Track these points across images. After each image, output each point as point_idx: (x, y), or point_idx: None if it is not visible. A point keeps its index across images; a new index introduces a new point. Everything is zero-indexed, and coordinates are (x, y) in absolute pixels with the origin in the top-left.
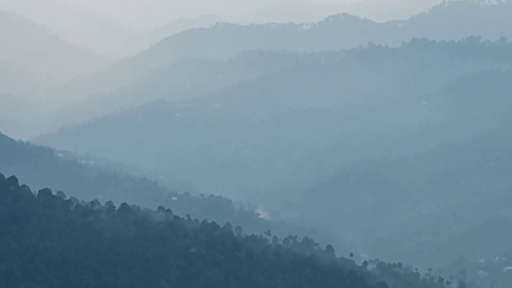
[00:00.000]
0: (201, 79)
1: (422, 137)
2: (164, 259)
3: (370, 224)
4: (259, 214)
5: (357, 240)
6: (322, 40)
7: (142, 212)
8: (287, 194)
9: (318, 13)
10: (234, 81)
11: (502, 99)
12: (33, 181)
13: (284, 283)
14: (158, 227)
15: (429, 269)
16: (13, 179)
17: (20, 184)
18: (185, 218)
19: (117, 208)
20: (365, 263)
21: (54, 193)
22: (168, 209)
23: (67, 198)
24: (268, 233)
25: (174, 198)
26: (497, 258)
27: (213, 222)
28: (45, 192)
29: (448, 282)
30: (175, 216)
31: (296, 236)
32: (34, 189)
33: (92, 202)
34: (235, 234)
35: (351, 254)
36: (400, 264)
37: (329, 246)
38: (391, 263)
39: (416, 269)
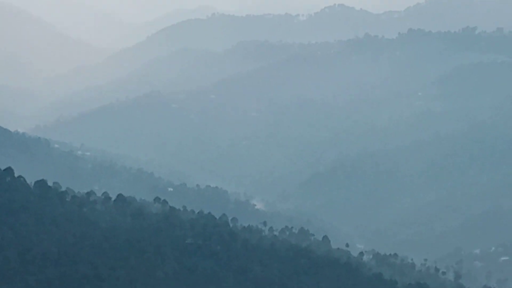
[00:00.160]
0: (197, 70)
1: (418, 128)
2: (160, 250)
3: (366, 215)
4: (255, 205)
5: (353, 230)
6: (318, 31)
7: (138, 203)
8: (283, 185)
9: (314, 4)
10: (231, 72)
11: (498, 89)
12: (29, 172)
13: (280, 274)
14: (154, 218)
15: (425, 260)
16: (9, 170)
17: (16, 175)
18: (181, 209)
19: (113, 199)
20: (361, 253)
21: (50, 184)
22: (164, 200)
23: (63, 189)
24: (264, 224)
25: (170, 189)
26: (493, 248)
27: (209, 213)
28: (41, 183)
29: (444, 273)
30: (171, 207)
31: (292, 227)
32: (30, 180)
33: (88, 193)
34: (231, 225)
35: (347, 245)
36: (396, 255)
37: (325, 237)
38: (387, 254)
39: (412, 260)
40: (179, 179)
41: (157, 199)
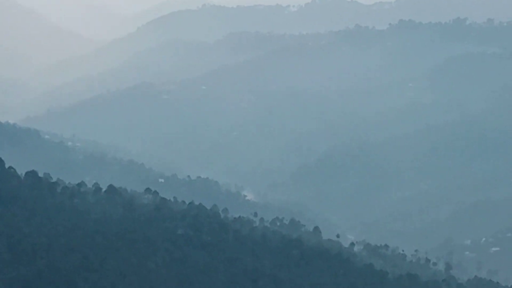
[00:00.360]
0: (188, 61)
1: (409, 119)
2: (151, 240)
3: (356, 205)
4: (246, 196)
5: (344, 221)
6: (309, 22)
7: (129, 194)
8: (274, 176)
9: None
10: (221, 63)
11: (488, 80)
12: (20, 163)
13: (271, 264)
14: (145, 209)
15: (416, 251)
16: None
17: (6, 166)
18: (172, 200)
19: (104, 190)
20: (352, 244)
21: (40, 175)
22: (155, 191)
23: (54, 180)
24: (255, 214)
25: (161, 180)
26: (484, 239)
27: (200, 204)
28: (32, 174)
29: (434, 263)
30: (162, 198)
31: (283, 218)
32: (21, 171)
33: (78, 184)
34: (222, 216)
35: (338, 236)
36: (386, 246)
37: (316, 228)
38: (378, 245)
39: (402, 251)
40: (170, 170)
41: (148, 190)
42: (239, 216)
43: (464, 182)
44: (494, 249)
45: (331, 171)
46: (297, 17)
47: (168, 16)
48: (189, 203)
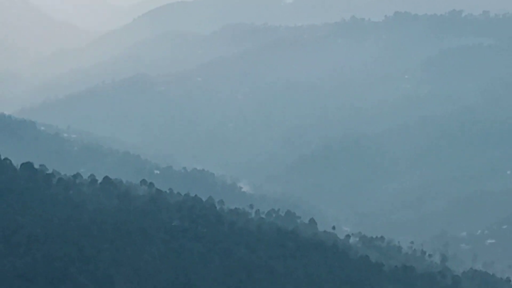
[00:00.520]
0: (183, 52)
1: (404, 111)
2: (146, 232)
3: (352, 197)
4: (241, 188)
5: (339, 213)
6: (304, 14)
7: (124, 186)
8: (269, 168)
9: None
10: (217, 55)
11: (484, 73)
12: (15, 154)
13: (267, 256)
14: (140, 201)
15: (411, 242)
16: None
17: (2, 157)
18: (168, 191)
19: (99, 181)
20: (348, 236)
21: (36, 166)
22: (151, 183)
23: (49, 171)
24: (251, 206)
25: (157, 172)
26: (479, 231)
27: (196, 196)
28: (27, 165)
29: (430, 255)
30: (158, 189)
31: (278, 210)
32: (16, 162)
33: (74, 175)
34: (217, 208)
35: (334, 228)
36: (382, 237)
37: (312, 220)
38: (374, 236)
39: (398, 242)
40: (166, 162)
41: (143, 181)
42: (235, 208)
43: (459, 174)
44: (489, 241)
45: (326, 163)
46: (293, 9)
47: (164, 8)
48: (185, 194)
